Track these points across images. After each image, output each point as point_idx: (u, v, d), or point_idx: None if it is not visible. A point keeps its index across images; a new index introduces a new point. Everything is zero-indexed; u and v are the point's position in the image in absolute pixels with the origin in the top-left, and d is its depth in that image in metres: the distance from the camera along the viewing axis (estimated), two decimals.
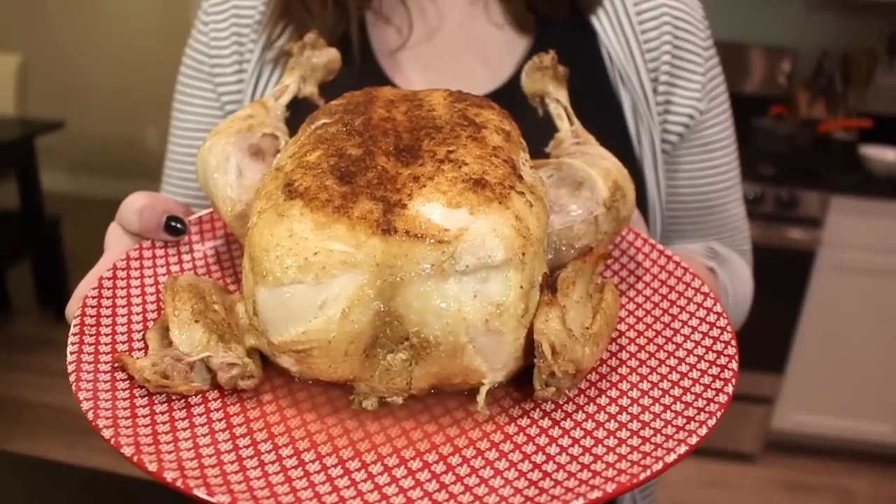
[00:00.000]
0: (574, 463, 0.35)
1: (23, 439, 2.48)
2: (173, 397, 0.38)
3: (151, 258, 0.49)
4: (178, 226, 0.49)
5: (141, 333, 0.42)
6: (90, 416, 0.35)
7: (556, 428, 0.38)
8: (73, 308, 0.43)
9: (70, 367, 0.38)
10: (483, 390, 0.38)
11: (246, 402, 0.39)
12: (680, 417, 0.37)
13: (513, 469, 0.35)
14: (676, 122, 0.73)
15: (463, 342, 0.36)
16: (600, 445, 0.36)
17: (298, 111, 0.55)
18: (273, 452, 0.36)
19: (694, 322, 0.45)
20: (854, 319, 2.40)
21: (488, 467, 0.36)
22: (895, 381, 2.45)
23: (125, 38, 4.25)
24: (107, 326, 0.42)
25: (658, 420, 0.38)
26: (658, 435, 0.36)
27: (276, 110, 0.54)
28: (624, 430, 0.37)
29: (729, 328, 0.43)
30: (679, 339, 0.44)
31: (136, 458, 0.32)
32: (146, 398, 0.38)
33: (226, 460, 0.35)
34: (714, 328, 0.44)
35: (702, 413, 0.37)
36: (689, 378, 0.40)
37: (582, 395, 0.40)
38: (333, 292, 0.36)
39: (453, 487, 0.34)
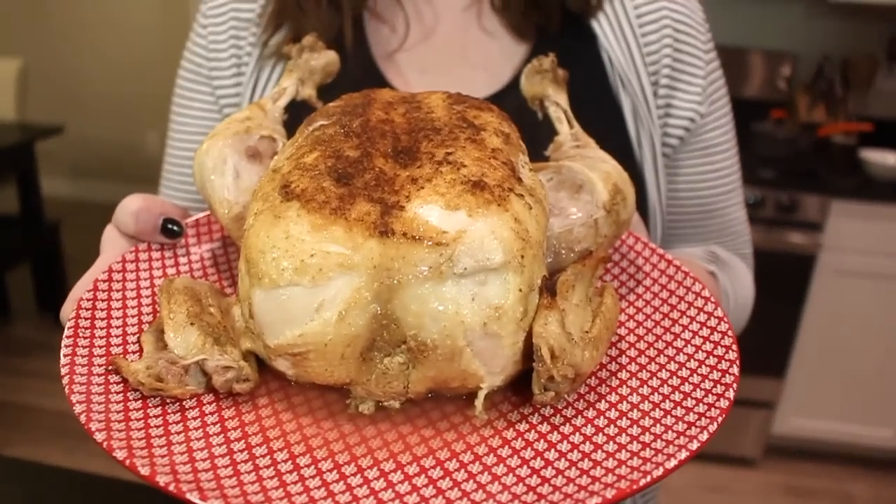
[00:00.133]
0: (573, 468, 0.35)
1: (22, 444, 2.48)
2: (168, 401, 0.38)
3: (148, 261, 0.48)
4: (175, 228, 0.49)
5: (136, 336, 0.42)
6: (83, 419, 0.34)
7: (556, 433, 0.38)
8: (67, 310, 0.43)
9: (63, 370, 0.37)
10: (481, 395, 0.38)
11: (241, 406, 0.39)
12: (681, 422, 0.37)
13: (511, 475, 0.35)
14: (677, 126, 0.73)
15: (461, 346, 0.36)
16: (600, 450, 0.36)
17: (297, 114, 0.54)
18: (268, 457, 0.35)
19: (695, 326, 0.44)
20: (855, 323, 2.40)
21: (486, 473, 0.35)
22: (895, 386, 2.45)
23: (125, 43, 4.26)
24: (101, 329, 0.42)
25: (658, 425, 0.37)
26: (658, 440, 0.36)
27: (273, 112, 0.53)
28: (624, 434, 0.37)
29: (730, 332, 0.43)
30: (680, 343, 0.43)
31: (128, 461, 0.32)
32: (140, 401, 0.37)
33: (220, 464, 0.34)
34: (715, 332, 0.43)
35: (703, 418, 0.37)
36: (689, 383, 0.40)
37: (581, 400, 0.40)
38: (330, 295, 0.35)
39: (450, 493, 0.34)
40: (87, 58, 4.32)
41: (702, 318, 0.45)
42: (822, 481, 2.51)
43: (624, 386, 0.41)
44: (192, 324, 0.40)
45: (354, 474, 0.35)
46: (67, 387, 0.36)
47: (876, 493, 2.49)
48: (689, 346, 0.43)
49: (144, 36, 4.21)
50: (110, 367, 0.39)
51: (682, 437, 0.36)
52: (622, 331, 0.45)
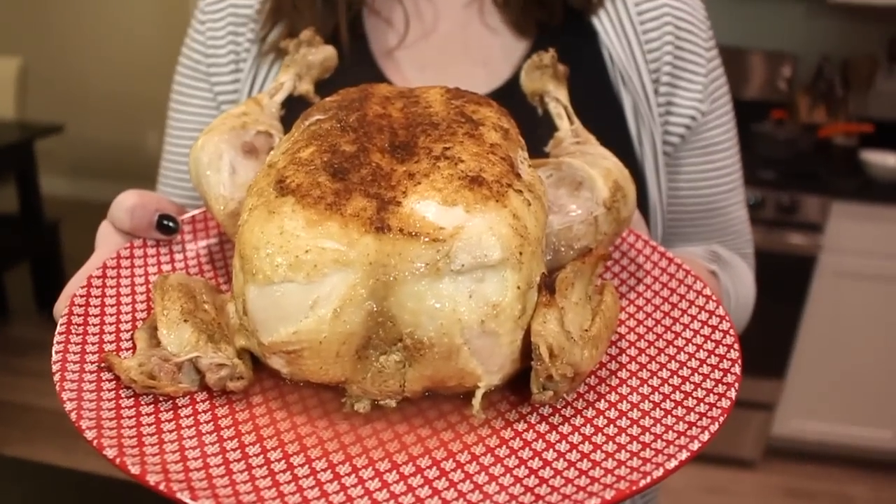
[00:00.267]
0: (572, 469, 0.34)
1: (20, 443, 2.47)
2: (160, 399, 0.37)
3: (143, 257, 0.48)
4: (171, 224, 0.48)
5: (129, 333, 0.42)
6: (73, 416, 0.34)
7: (554, 433, 0.37)
8: (61, 306, 0.43)
9: (55, 367, 0.37)
10: (479, 394, 0.37)
11: (235, 405, 0.38)
12: (681, 423, 0.36)
13: (509, 475, 0.34)
14: (678, 124, 0.72)
15: (458, 344, 0.35)
16: (599, 451, 0.35)
17: (294, 109, 0.54)
18: (261, 456, 0.35)
19: (696, 325, 0.44)
20: (854, 325, 2.39)
21: (483, 473, 0.35)
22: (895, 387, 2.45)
23: (125, 42, 4.25)
24: (94, 326, 0.41)
25: (658, 425, 0.37)
26: (658, 440, 0.35)
27: (270, 108, 0.53)
28: (623, 435, 0.36)
29: (731, 332, 0.42)
30: (680, 342, 0.43)
31: (118, 460, 0.31)
32: (132, 399, 0.37)
33: (212, 464, 0.34)
34: (716, 332, 0.43)
35: (704, 418, 0.36)
36: (690, 382, 0.39)
37: (580, 400, 0.39)
38: (325, 291, 0.35)
39: (447, 493, 0.33)
40: (87, 58, 4.32)
41: (703, 317, 0.44)
42: (821, 483, 2.51)
43: (624, 385, 0.40)
44: (185, 321, 0.39)
45: (349, 474, 0.34)
46: (58, 384, 0.36)
47: (876, 495, 2.48)
48: (690, 345, 0.42)
49: (144, 36, 4.20)
50: (102, 365, 0.38)
51: (682, 438, 0.35)
52: (622, 329, 0.45)
